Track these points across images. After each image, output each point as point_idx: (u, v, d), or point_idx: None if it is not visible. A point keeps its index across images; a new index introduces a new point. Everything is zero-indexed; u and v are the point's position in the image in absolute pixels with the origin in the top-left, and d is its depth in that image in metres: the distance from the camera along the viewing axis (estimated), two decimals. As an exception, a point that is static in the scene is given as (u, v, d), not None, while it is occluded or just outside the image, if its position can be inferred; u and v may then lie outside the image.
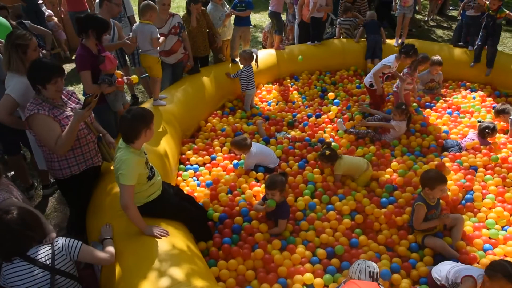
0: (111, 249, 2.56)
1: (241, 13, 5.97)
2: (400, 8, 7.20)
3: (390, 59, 5.12)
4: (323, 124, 5.26)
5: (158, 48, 4.32)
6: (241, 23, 6.02)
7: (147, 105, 4.50)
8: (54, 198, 4.28)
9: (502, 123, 5.07)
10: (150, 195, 2.87)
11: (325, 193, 3.99)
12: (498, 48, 6.24)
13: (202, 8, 5.57)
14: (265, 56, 6.37)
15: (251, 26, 6.72)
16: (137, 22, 4.27)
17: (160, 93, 4.70)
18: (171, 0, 5.02)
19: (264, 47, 7.72)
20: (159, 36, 4.26)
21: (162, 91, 4.91)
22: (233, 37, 6.10)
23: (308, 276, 3.09)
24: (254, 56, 5.65)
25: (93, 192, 3.29)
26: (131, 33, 4.42)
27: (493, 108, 5.38)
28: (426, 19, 11.09)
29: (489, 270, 2.57)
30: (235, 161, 4.42)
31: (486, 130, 4.59)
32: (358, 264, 2.56)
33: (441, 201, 3.65)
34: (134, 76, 3.95)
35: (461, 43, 6.80)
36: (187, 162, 4.47)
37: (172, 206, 3.05)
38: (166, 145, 3.96)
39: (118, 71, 3.85)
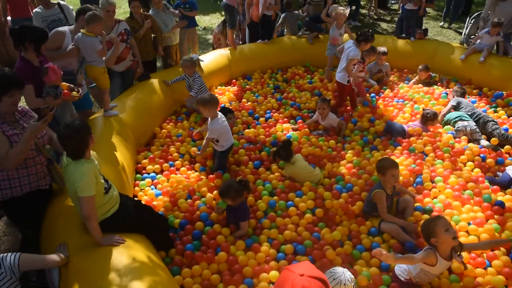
0: (60, 254, 2.51)
1: (189, 12, 5.93)
2: None
3: (354, 51, 5.06)
4: (280, 121, 5.31)
5: (104, 58, 4.16)
6: (188, 24, 5.97)
7: (97, 115, 4.35)
8: (3, 222, 4.05)
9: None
10: (107, 211, 2.79)
11: (284, 191, 4.04)
12: (438, 39, 6.60)
13: (147, 13, 5.49)
14: (216, 57, 6.35)
15: (200, 28, 6.68)
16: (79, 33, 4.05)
17: (110, 102, 4.57)
18: (115, 6, 4.88)
19: (214, 49, 7.70)
20: (102, 46, 4.01)
21: (113, 100, 4.77)
22: (181, 40, 6.03)
23: (274, 273, 3.11)
24: (196, 62, 5.47)
25: (45, 213, 3.13)
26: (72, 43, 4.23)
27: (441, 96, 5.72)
28: (369, 13, 11.54)
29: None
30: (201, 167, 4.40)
31: (428, 115, 4.82)
32: (336, 276, 2.36)
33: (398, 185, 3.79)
34: (75, 92, 3.77)
35: (403, 34, 7.12)
36: (143, 171, 4.38)
37: (131, 219, 2.98)
38: (120, 155, 3.85)
39: (64, 83, 3.66)
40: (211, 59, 6.15)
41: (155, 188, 4.16)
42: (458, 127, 4.85)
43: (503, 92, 5.78)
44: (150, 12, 5.69)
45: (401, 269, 3.03)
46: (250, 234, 3.58)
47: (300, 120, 5.31)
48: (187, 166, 4.43)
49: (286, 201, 3.90)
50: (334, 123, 5.10)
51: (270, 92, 6.21)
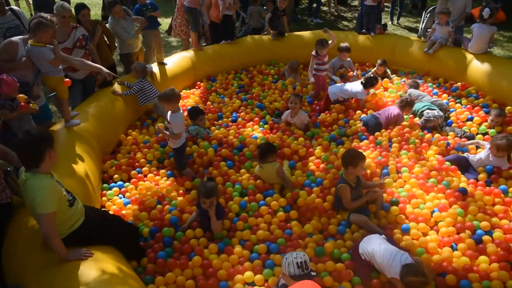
0: None
1: (154, 12, 5.85)
2: None
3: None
4: (250, 123, 5.29)
5: (60, 66, 3.98)
6: (152, 26, 5.85)
7: (58, 126, 4.20)
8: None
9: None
10: (73, 224, 2.71)
11: (255, 191, 4.05)
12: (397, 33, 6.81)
13: (97, 19, 5.36)
14: (179, 60, 6.27)
15: (163, 31, 6.60)
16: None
17: (71, 111, 4.42)
18: (71, 11, 4.72)
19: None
20: (55, 55, 3.80)
21: (74, 108, 4.62)
22: (148, 44, 5.88)
23: (248, 274, 3.13)
24: (149, 71, 5.42)
25: (6, 230, 2.99)
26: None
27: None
28: (329, 10, 11.74)
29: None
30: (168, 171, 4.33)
31: (408, 100, 4.97)
32: (286, 258, 2.60)
33: (362, 178, 3.89)
34: (31, 104, 3.62)
35: (364, 30, 7.29)
36: (110, 180, 4.27)
37: (99, 231, 2.89)
38: (84, 165, 3.73)
39: (21, 95, 3.52)
40: (174, 62, 6.06)
41: (124, 196, 4.07)
42: (429, 117, 4.97)
43: (459, 83, 6.04)
44: (110, 20, 5.55)
45: (366, 251, 3.12)
46: (223, 237, 3.56)
47: (271, 122, 5.30)
48: (155, 172, 4.37)
49: (258, 201, 3.90)
50: (305, 120, 5.12)
51: (235, 92, 6.20)
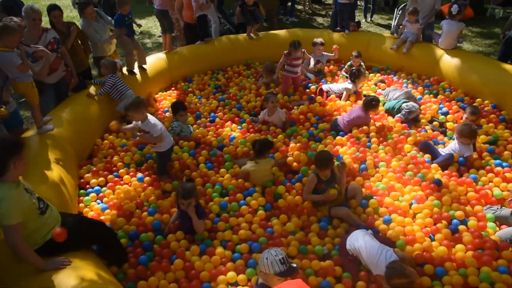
0: None
1: (134, 24, 5.82)
2: None
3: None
4: (228, 122, 5.28)
5: (30, 71, 3.80)
6: (129, 34, 5.71)
7: (30, 133, 4.08)
8: None
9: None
10: (48, 232, 2.63)
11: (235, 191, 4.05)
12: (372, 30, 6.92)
13: (70, 21, 5.21)
14: (154, 61, 6.18)
15: (137, 32, 6.48)
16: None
17: (45, 116, 4.31)
18: (41, 14, 4.57)
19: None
20: (22, 60, 3.67)
21: (47, 114, 4.50)
22: (129, 50, 5.69)
23: (231, 274, 3.13)
24: (119, 66, 5.38)
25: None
26: None
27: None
28: (304, 8, 11.84)
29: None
30: (139, 175, 4.26)
31: (374, 102, 4.92)
32: (267, 258, 2.56)
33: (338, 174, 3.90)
34: (3, 109, 3.51)
35: (338, 28, 7.38)
36: (87, 186, 4.18)
37: (79, 236, 2.82)
38: (60, 172, 3.64)
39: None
40: (149, 64, 5.98)
41: (101, 202, 3.99)
42: (409, 108, 5.06)
43: (430, 78, 6.22)
44: (81, 22, 5.41)
45: (353, 246, 3.16)
46: (205, 238, 3.55)
47: (249, 120, 5.30)
48: (132, 175, 4.30)
49: (238, 201, 3.90)
50: (282, 117, 5.12)
51: (212, 93, 6.17)
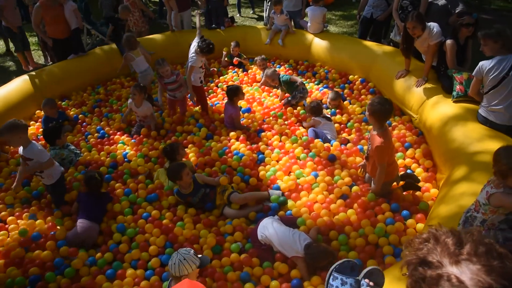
0: None
1: None
2: None
3: (193, 58, 5.03)
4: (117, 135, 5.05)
5: None
6: None
7: None
8: None
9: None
10: None
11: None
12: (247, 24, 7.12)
13: None
14: (19, 85, 5.55)
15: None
16: None
17: None
18: None
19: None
20: None
21: None
22: None
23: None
24: None
25: None
26: None
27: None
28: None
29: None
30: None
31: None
32: (184, 259, 2.53)
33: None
34: None
35: (213, 25, 7.45)
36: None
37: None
38: None
39: None
40: (13, 88, 5.35)
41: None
42: (300, 92, 5.36)
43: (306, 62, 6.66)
44: None
45: (264, 236, 3.25)
46: (112, 261, 3.35)
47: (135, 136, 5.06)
48: (17, 215, 3.82)
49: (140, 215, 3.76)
50: (148, 112, 5.03)
51: (92, 108, 5.82)
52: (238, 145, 4.64)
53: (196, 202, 3.83)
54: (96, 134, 5.14)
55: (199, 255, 2.65)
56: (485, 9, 10.01)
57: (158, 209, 3.79)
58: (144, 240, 3.49)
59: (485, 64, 3.63)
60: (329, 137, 4.66)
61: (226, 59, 6.84)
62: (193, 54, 5.02)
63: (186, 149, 4.58)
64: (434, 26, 4.42)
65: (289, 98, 5.42)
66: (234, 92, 4.90)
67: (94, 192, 3.77)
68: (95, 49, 6.87)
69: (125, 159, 4.58)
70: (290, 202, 3.79)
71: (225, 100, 5.21)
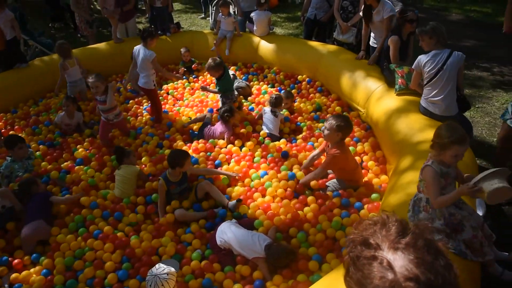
0: None
1: None
2: None
3: (146, 54, 4.91)
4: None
5: None
6: None
7: None
8: None
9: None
10: None
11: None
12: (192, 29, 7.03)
13: None
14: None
15: None
16: None
17: None
18: None
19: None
20: None
21: None
22: None
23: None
24: None
25: None
26: None
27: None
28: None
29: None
30: None
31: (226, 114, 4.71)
32: (166, 274, 2.59)
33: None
34: None
35: (159, 32, 7.28)
36: None
37: None
38: None
39: None
40: None
41: None
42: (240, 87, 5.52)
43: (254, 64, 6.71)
44: None
45: (223, 240, 3.24)
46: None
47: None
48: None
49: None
50: (80, 121, 5.19)
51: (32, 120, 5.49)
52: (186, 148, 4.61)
53: (176, 193, 3.83)
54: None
55: (166, 260, 2.69)
56: (418, 8, 10.62)
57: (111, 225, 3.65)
58: (97, 258, 3.34)
59: (422, 58, 3.87)
60: (264, 127, 4.85)
61: (181, 67, 6.73)
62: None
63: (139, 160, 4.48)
64: (387, 2, 4.94)
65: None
66: (226, 117, 4.69)
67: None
68: (34, 60, 6.50)
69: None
70: (244, 207, 3.78)
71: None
